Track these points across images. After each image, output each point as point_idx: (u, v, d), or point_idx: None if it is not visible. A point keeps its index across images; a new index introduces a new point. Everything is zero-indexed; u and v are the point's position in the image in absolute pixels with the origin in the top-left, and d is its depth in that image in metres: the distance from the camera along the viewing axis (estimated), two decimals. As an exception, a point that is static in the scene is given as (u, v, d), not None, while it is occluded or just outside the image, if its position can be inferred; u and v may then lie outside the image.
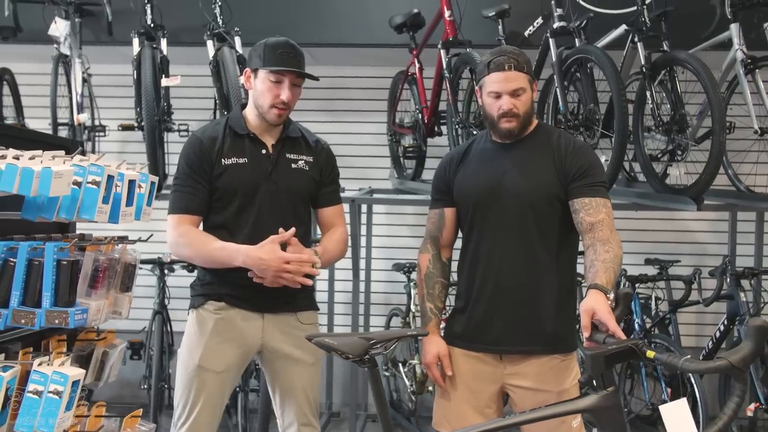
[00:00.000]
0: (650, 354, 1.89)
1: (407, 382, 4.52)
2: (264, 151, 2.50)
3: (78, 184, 1.94)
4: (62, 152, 1.94)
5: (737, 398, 1.78)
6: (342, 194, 4.42)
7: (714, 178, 3.44)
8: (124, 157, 5.07)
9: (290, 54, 2.44)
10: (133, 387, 4.75)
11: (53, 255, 1.86)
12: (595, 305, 2.04)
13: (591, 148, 2.54)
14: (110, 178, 1.99)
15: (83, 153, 4.34)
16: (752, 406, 3.73)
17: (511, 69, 2.30)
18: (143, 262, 4.59)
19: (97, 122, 4.73)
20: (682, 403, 1.84)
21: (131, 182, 2.13)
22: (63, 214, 1.93)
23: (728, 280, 3.86)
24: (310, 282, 2.41)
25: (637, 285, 4.12)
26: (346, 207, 4.19)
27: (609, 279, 2.16)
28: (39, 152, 1.88)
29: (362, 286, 4.91)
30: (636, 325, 3.99)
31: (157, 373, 4.09)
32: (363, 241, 4.97)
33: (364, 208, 4.93)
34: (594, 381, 1.92)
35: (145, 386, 4.36)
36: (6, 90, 4.72)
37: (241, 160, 2.47)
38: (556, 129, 2.51)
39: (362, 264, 4.92)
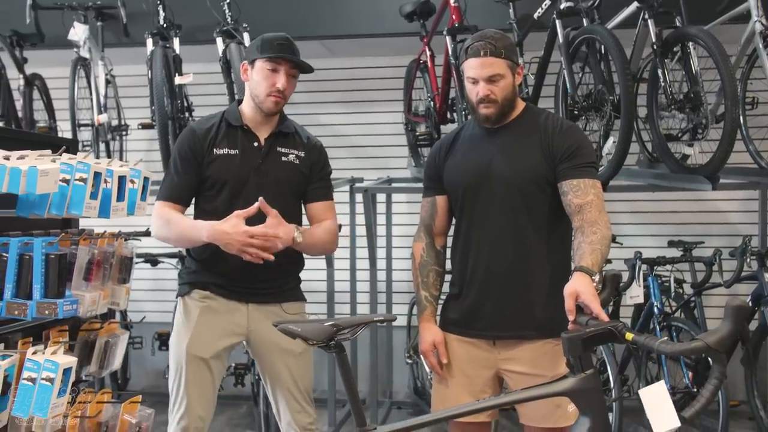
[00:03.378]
0: (629, 336, 1.88)
1: (428, 370, 4.53)
2: (255, 144, 2.56)
3: (67, 181, 2.02)
4: (49, 151, 2.03)
5: (716, 380, 1.76)
6: (360, 184, 4.53)
7: (728, 156, 3.35)
8: (150, 154, 5.25)
9: (286, 44, 2.50)
10: (164, 375, 4.88)
11: (41, 249, 1.95)
12: (579, 288, 2.03)
13: (579, 129, 2.52)
14: (97, 174, 2.07)
15: (108, 151, 4.43)
16: None
17: (487, 54, 2.29)
18: (167, 255, 4.73)
19: (122, 122, 4.87)
20: (660, 387, 1.82)
21: (121, 178, 2.21)
22: (54, 210, 2.02)
23: (748, 260, 3.76)
24: (271, 257, 2.39)
25: (655, 267, 4.04)
26: (359, 197, 4.29)
27: (595, 261, 2.15)
28: (27, 152, 1.97)
29: (383, 275, 4.95)
30: (655, 309, 3.92)
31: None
32: (383, 230, 5.01)
33: (383, 197, 4.97)
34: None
35: (168, 375, 4.47)
36: (36, 94, 4.89)
37: (233, 151, 2.54)
38: (545, 111, 2.50)
39: (382, 253, 4.96)
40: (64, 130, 4.78)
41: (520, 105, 2.45)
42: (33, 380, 1.90)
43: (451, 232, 2.57)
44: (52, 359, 1.92)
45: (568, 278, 2.43)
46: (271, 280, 2.51)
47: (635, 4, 3.71)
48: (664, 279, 4.16)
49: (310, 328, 1.87)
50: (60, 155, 2.04)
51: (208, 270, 2.52)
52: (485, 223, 2.40)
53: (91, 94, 4.48)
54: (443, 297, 2.57)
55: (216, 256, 2.47)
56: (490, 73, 2.30)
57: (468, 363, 2.43)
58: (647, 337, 1.86)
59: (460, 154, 2.48)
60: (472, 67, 2.32)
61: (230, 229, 2.35)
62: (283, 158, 2.57)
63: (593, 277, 2.09)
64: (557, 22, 3.72)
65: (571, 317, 2.05)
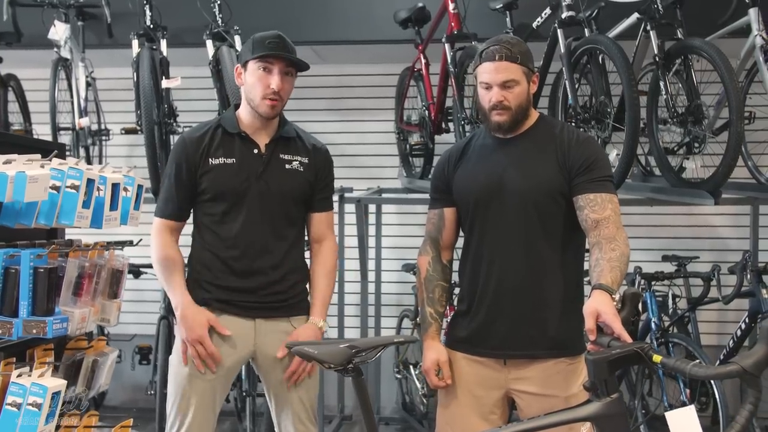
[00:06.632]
0: (657, 358, 1.78)
1: (418, 385, 4.43)
2: (256, 151, 2.43)
3: (57, 188, 1.88)
4: (38, 156, 1.88)
5: (750, 405, 1.67)
6: (350, 194, 4.41)
7: (732, 171, 3.30)
8: (132, 161, 5.07)
9: (279, 43, 2.35)
10: (146, 392, 4.69)
11: (29, 262, 1.80)
12: (599, 307, 1.94)
13: (595, 141, 2.44)
14: (90, 181, 1.93)
15: (88, 157, 4.26)
16: None
17: (502, 59, 2.20)
18: (150, 266, 4.55)
19: (102, 126, 4.69)
20: (690, 411, 1.73)
21: (115, 186, 2.06)
22: (42, 220, 1.87)
23: (748, 276, 3.71)
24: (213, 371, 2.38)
25: (653, 283, 3.98)
26: (351, 207, 4.17)
27: (615, 279, 2.06)
28: (15, 156, 1.82)
29: (372, 288, 4.83)
30: (653, 325, 3.85)
31: (162, 378, 4.03)
32: (372, 241, 4.88)
33: (372, 208, 4.85)
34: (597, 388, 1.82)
35: (152, 392, 4.31)
36: (11, 96, 4.69)
37: (230, 160, 2.40)
38: (559, 121, 2.42)
39: (372, 265, 4.83)
40: (41, 133, 4.59)
41: (534, 114, 2.36)
42: (18, 406, 1.75)
43: (459, 244, 2.46)
44: (40, 383, 1.77)
45: (581, 295, 2.37)
46: (278, 293, 2.39)
47: (636, 16, 3.66)
48: (658, 294, 4.10)
49: (326, 351, 1.74)
50: (50, 160, 1.89)
51: (212, 285, 2.38)
52: (497, 238, 2.30)
53: (72, 96, 4.30)
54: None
55: (219, 272, 2.35)
56: (504, 78, 2.21)
57: (476, 383, 2.33)
58: (677, 359, 1.76)
59: (470, 165, 2.38)
60: (486, 71, 2.23)
61: (193, 325, 2.33)
62: (287, 165, 2.44)
63: (613, 296, 2.00)
64: (559, 31, 3.64)
65: (592, 337, 1.95)
